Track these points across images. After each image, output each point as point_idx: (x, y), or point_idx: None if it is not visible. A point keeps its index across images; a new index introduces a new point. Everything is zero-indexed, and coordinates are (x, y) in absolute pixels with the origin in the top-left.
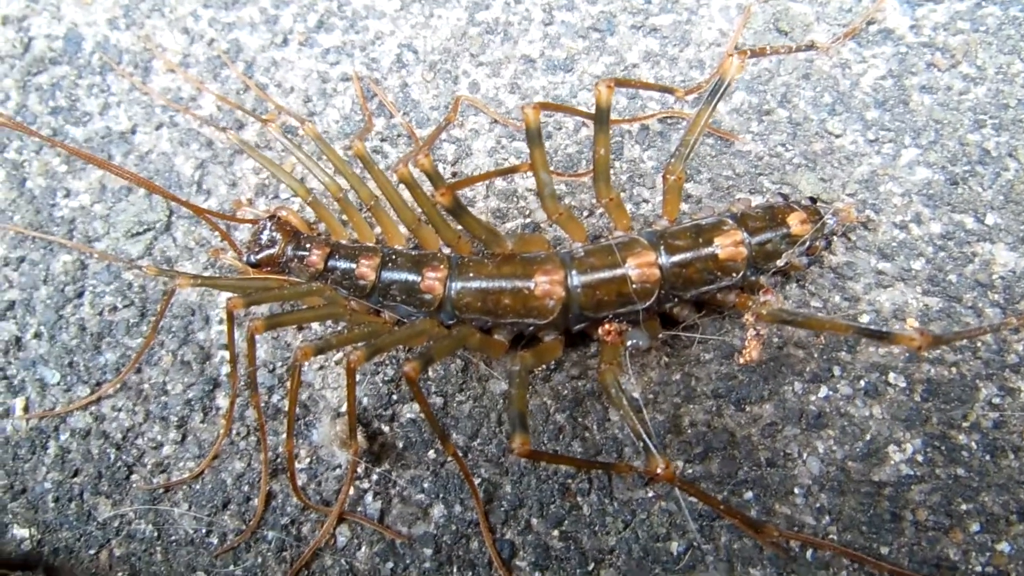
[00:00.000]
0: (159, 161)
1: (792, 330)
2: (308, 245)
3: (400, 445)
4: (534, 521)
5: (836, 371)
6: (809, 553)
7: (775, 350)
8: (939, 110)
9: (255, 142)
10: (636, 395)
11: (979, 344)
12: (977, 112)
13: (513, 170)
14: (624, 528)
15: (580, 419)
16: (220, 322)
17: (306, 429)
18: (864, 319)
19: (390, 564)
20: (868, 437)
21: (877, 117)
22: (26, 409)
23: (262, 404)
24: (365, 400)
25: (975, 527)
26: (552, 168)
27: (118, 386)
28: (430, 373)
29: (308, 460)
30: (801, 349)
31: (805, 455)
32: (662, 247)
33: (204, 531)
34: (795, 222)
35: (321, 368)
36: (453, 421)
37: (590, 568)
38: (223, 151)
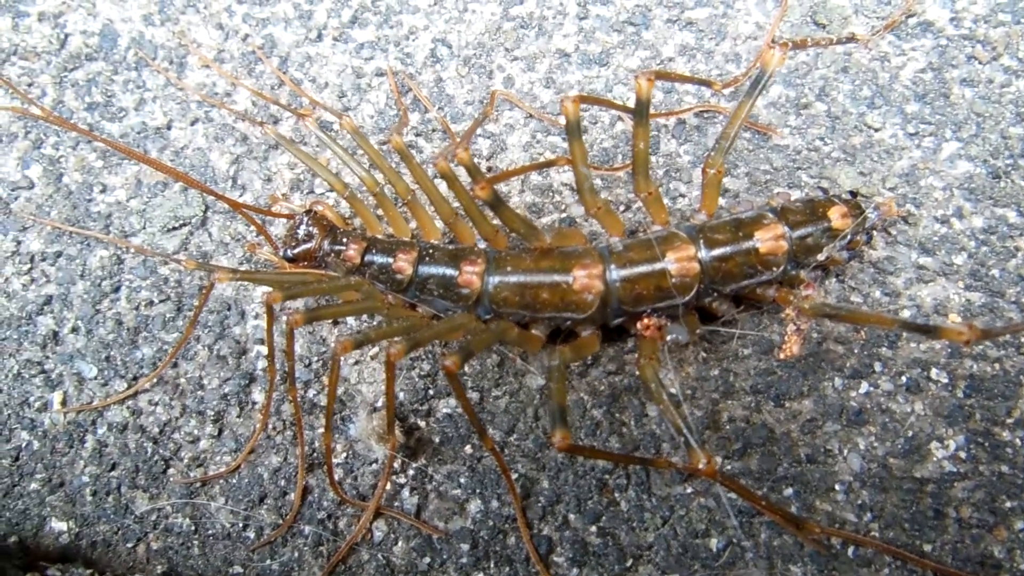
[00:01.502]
0: (194, 156)
1: (832, 325)
2: (345, 240)
3: (436, 440)
4: (571, 517)
5: (877, 367)
6: (851, 550)
7: (814, 346)
8: (980, 103)
9: (290, 137)
10: (674, 390)
11: (1022, 340)
12: (1019, 105)
13: (551, 163)
14: (663, 524)
15: (617, 415)
16: (256, 317)
17: (342, 424)
18: (905, 314)
19: (427, 559)
20: (910, 433)
21: (917, 110)
22: (64, 403)
23: (298, 399)
24: (401, 395)
25: (1020, 524)
26: (588, 163)
27: (155, 380)
28: (466, 368)
29: (344, 455)
30: (841, 344)
31: (846, 451)
32: (701, 241)
33: (241, 525)
34: (836, 216)
35: (357, 363)
36: (489, 416)
37: (628, 564)
38: (258, 146)
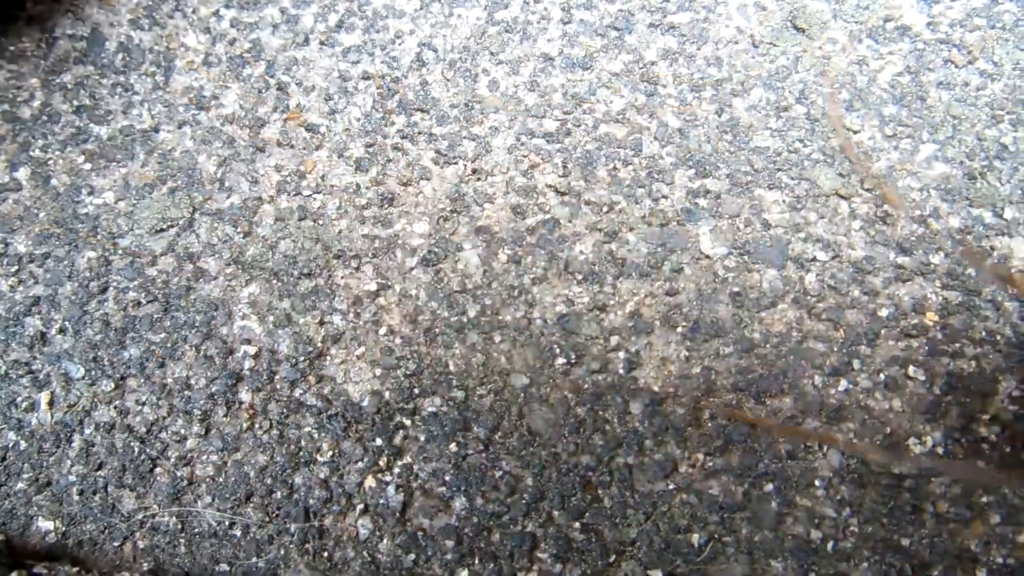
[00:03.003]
0: (182, 159)
1: (812, 324)
2: None
3: (422, 438)
4: (556, 514)
5: (856, 364)
6: (830, 545)
7: (795, 344)
8: (957, 106)
9: (277, 139)
10: (656, 388)
11: (999, 338)
12: (994, 107)
13: None
14: (645, 520)
15: (600, 412)
16: (243, 317)
17: (328, 422)
18: (883, 313)
19: (412, 556)
20: (888, 430)
21: (895, 113)
22: (51, 403)
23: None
24: (387, 394)
25: (996, 519)
26: (565, 164)
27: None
28: (451, 367)
29: (331, 453)
30: (821, 343)
31: (825, 448)
32: None
33: (227, 524)
34: None
35: (343, 363)
36: (474, 414)
37: (611, 560)
38: (245, 149)
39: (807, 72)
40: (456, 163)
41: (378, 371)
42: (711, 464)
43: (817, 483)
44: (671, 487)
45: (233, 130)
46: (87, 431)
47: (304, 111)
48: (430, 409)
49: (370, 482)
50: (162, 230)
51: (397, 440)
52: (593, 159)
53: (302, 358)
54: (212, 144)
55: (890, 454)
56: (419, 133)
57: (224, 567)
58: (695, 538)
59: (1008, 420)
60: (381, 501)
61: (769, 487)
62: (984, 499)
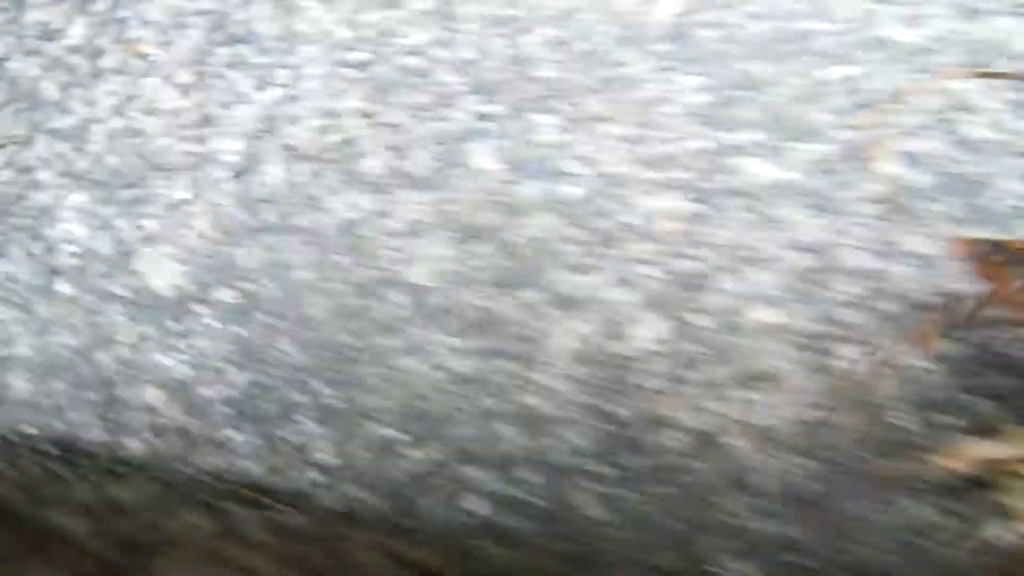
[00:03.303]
0: (27, 84)
1: (567, 229)
2: None
3: (213, 324)
4: (319, 386)
5: (600, 263)
6: (553, 413)
7: (549, 246)
8: (724, 43)
9: (116, 67)
10: (423, 283)
11: (720, 240)
12: (758, 45)
13: None
14: (397, 391)
15: (373, 304)
16: (68, 221)
17: (133, 309)
18: (632, 220)
19: (195, 421)
20: (619, 319)
21: (666, 50)
22: None
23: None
24: (187, 287)
25: (692, 391)
26: (369, 91)
27: None
28: (246, 264)
29: (132, 335)
30: (573, 245)
31: (561, 334)
32: None
33: (37, 394)
34: None
35: (152, 260)
36: (261, 304)
37: (363, 424)
38: (84, 75)
39: (590, 12)
40: (271, 88)
41: (182, 267)
42: (461, 345)
43: (552, 363)
44: (424, 366)
45: (75, 59)
46: None
47: (140, 42)
48: (223, 299)
49: (164, 360)
50: (2, 146)
51: (191, 324)
52: (395, 86)
53: (116, 256)
54: (55, 71)
55: (619, 340)
56: (241, 63)
57: (32, 431)
58: (435, 404)
59: (722, 308)
60: (173, 375)
61: (510, 366)
62: (693, 376)
